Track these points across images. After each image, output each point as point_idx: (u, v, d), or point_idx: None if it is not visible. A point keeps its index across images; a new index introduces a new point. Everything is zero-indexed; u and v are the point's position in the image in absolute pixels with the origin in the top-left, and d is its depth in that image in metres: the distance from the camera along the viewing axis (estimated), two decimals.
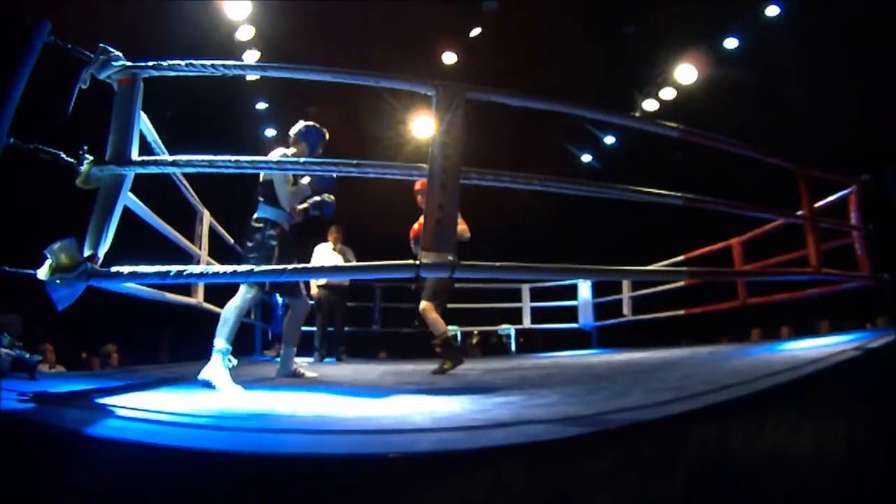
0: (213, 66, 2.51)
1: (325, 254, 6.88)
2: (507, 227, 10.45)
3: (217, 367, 3.03)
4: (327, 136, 3.90)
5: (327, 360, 6.84)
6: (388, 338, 9.20)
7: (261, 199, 3.63)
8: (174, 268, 2.23)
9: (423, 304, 4.46)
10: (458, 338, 9.03)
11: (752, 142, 3.66)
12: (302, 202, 3.85)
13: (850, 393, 2.33)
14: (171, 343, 8.46)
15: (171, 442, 1.56)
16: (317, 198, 3.91)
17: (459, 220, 4.21)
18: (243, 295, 3.38)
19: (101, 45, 2.38)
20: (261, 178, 3.67)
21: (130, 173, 2.40)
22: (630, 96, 9.76)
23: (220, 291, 5.15)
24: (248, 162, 2.42)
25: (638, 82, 9.78)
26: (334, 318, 7.11)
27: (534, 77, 8.62)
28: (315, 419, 2.00)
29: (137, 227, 3.12)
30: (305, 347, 7.10)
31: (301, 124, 3.89)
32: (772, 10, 8.32)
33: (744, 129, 7.03)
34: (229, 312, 3.29)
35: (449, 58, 9.69)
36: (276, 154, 3.69)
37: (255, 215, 3.61)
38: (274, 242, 3.51)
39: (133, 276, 2.25)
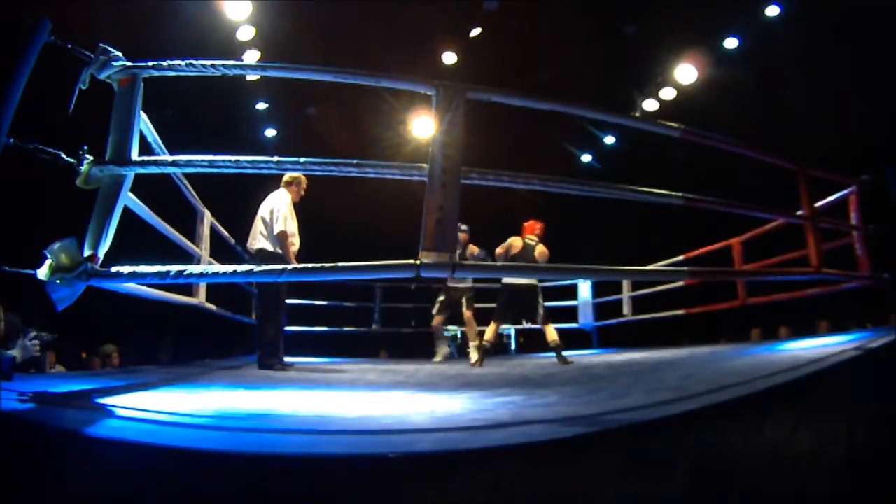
0: (213, 66, 2.51)
1: None
2: (507, 228, 10.42)
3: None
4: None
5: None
6: (388, 338, 9.20)
7: None
8: (174, 268, 2.24)
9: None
10: (458, 337, 9.02)
11: (752, 141, 3.66)
12: None
13: (850, 393, 2.32)
14: (172, 343, 8.46)
15: (171, 442, 1.56)
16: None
17: (543, 247, 5.67)
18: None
19: (101, 45, 2.38)
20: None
21: (130, 173, 2.40)
22: (630, 96, 9.75)
23: (221, 291, 5.17)
24: (248, 162, 2.42)
25: (638, 82, 9.78)
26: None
27: (534, 77, 8.62)
28: (315, 419, 2.00)
29: (138, 227, 3.12)
30: (300, 347, 7.09)
31: None
32: (772, 10, 8.31)
33: (744, 128, 7.04)
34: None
35: (449, 58, 9.68)
36: None
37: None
38: None
39: (133, 276, 2.25)
